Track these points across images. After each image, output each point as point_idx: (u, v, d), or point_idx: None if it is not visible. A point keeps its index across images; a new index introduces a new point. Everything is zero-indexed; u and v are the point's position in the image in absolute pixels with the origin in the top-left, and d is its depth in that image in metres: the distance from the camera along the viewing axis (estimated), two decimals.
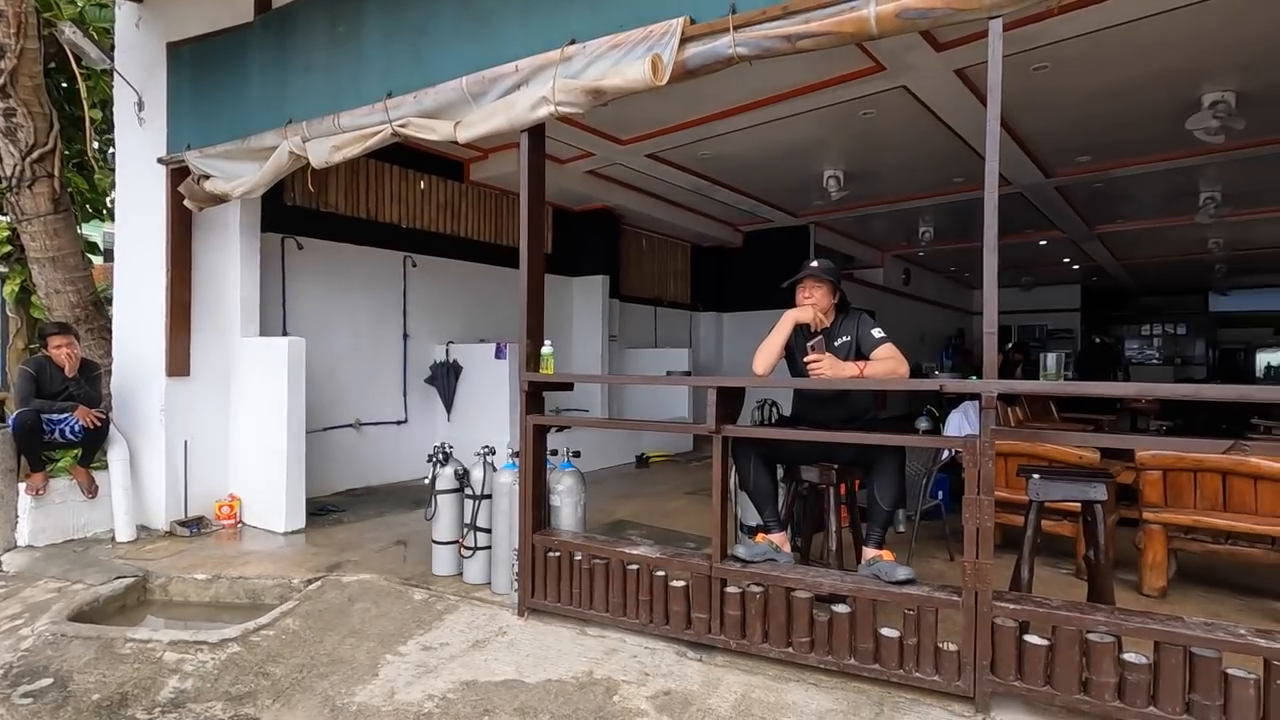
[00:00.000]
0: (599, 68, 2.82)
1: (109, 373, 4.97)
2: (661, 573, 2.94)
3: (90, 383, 4.58)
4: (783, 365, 3.28)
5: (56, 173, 4.86)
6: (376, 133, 3.50)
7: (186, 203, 4.52)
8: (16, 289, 6.25)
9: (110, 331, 5.15)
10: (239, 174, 4.17)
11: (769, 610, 2.72)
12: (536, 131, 3.22)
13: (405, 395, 6.59)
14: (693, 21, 2.64)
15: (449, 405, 6.68)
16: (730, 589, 2.79)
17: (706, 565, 2.85)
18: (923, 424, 4.70)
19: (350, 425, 6.09)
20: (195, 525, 4.64)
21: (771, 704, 2.46)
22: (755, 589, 2.75)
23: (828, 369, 2.96)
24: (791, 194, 8.31)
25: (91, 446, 4.49)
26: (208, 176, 4.32)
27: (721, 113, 5.69)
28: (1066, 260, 12.73)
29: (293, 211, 5.74)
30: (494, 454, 3.65)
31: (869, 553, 2.88)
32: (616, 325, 8.74)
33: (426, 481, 3.76)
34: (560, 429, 3.42)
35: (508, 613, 3.25)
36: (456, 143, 3.27)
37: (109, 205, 6.60)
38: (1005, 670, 2.33)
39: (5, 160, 4.71)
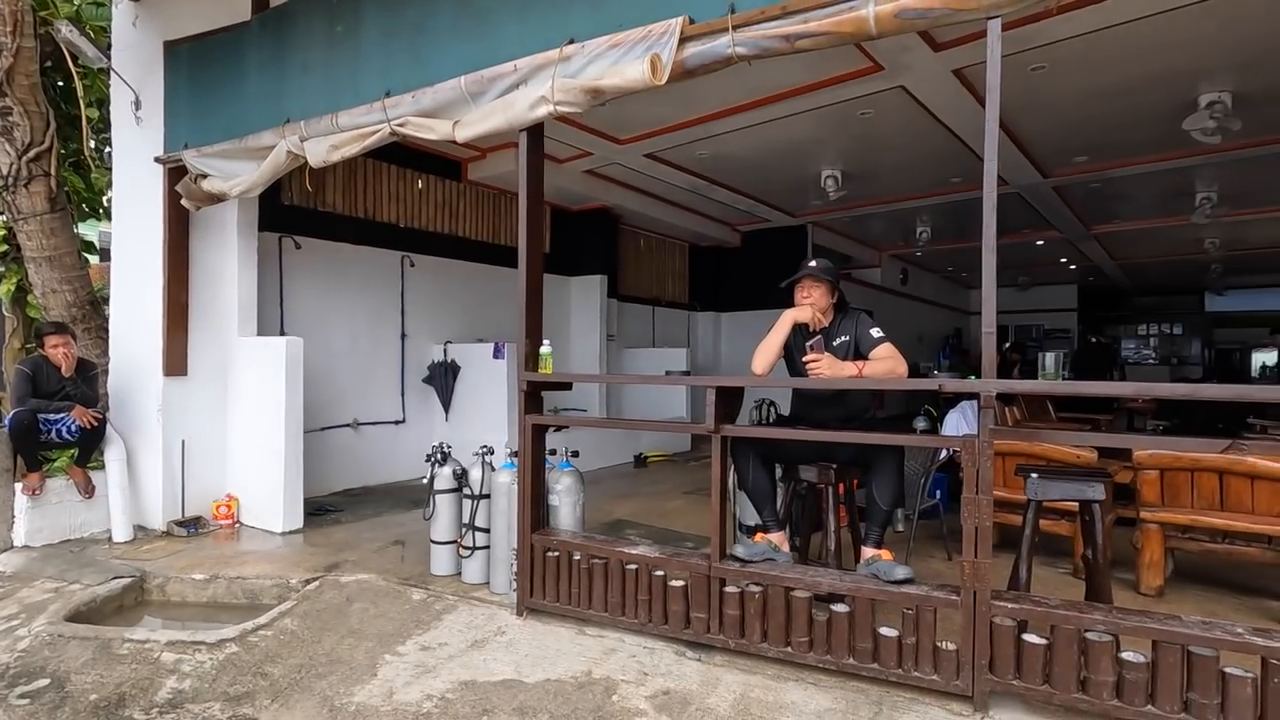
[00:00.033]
0: (598, 67, 2.82)
1: (106, 372, 4.95)
2: (660, 572, 2.94)
3: (87, 382, 4.56)
4: (781, 365, 3.28)
5: (53, 172, 4.85)
6: (375, 132, 3.50)
7: (184, 202, 4.51)
8: (13, 288, 6.22)
9: (107, 331, 5.14)
10: (236, 173, 4.16)
11: (768, 610, 2.72)
12: (535, 131, 3.22)
13: (403, 395, 6.58)
14: (692, 21, 2.64)
15: (447, 405, 6.68)
16: (729, 588, 2.79)
17: (705, 565, 2.85)
18: (920, 424, 4.71)
19: (348, 425, 6.08)
20: (193, 525, 4.63)
21: (770, 703, 2.46)
22: (754, 588, 2.75)
23: (827, 369, 2.96)
24: (789, 194, 8.31)
25: (88, 446, 4.48)
26: (205, 176, 4.31)
27: (719, 112, 5.70)
28: (1063, 260, 12.76)
29: (290, 211, 5.73)
30: (492, 454, 3.65)
31: (868, 552, 2.88)
32: (614, 325, 8.74)
33: (425, 481, 3.76)
34: (559, 428, 3.42)
35: (506, 612, 3.25)
36: (455, 142, 3.27)
37: (106, 204, 6.57)
38: (1004, 669, 2.33)
39: (1, 159, 4.69)
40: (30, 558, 4.08)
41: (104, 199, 6.58)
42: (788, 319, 3.16)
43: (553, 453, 3.47)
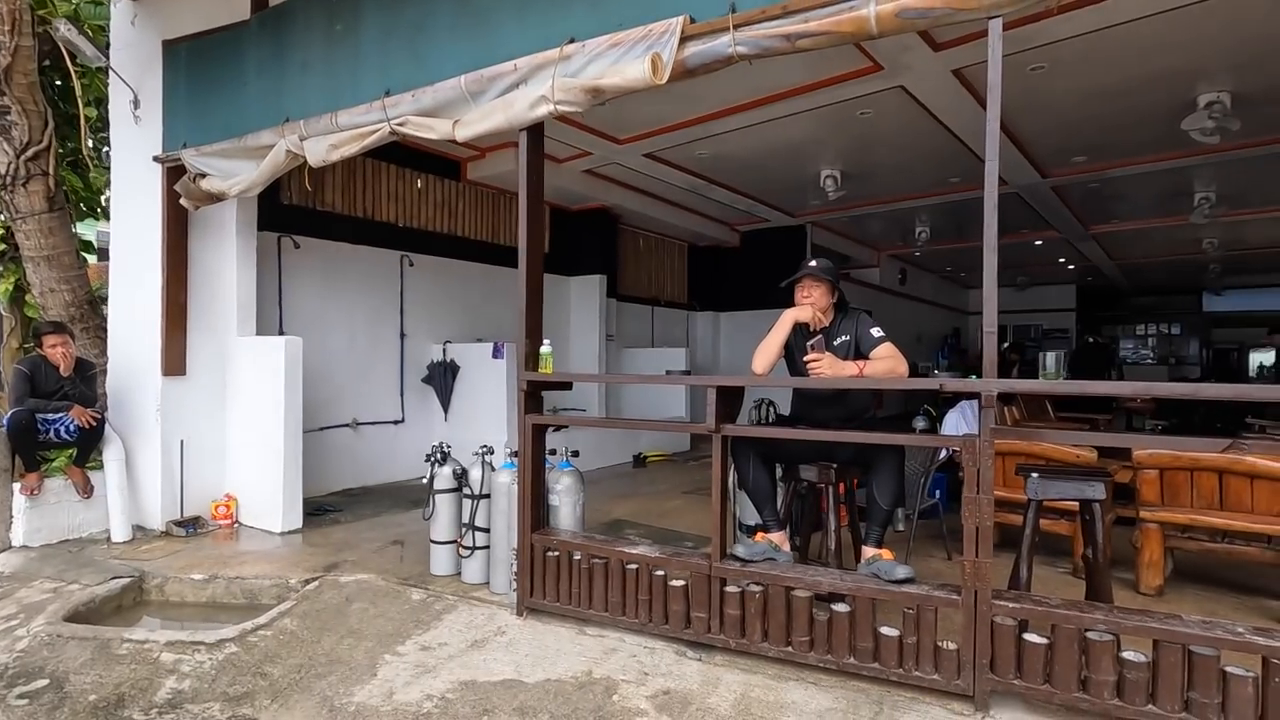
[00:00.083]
0: (598, 66, 2.81)
1: (104, 372, 4.94)
2: (660, 572, 2.94)
3: (85, 382, 4.55)
4: (781, 364, 3.28)
5: (51, 171, 4.83)
6: (374, 131, 3.49)
7: (182, 201, 4.50)
8: (11, 288, 6.22)
9: (105, 330, 5.13)
10: (235, 172, 4.15)
11: (768, 609, 2.72)
12: (535, 130, 3.21)
13: (402, 395, 6.57)
14: (692, 20, 2.64)
15: (446, 405, 6.67)
16: (729, 588, 2.79)
17: (706, 564, 2.85)
18: (920, 423, 4.71)
19: (347, 425, 6.07)
20: (191, 525, 4.62)
21: (771, 703, 2.46)
22: (754, 588, 2.75)
23: (827, 368, 2.96)
24: (788, 194, 8.31)
25: (87, 446, 4.47)
26: (204, 175, 4.30)
27: (719, 112, 5.69)
28: (1062, 260, 12.77)
29: (289, 210, 5.72)
30: (492, 453, 3.65)
31: (868, 551, 2.88)
32: (614, 325, 8.73)
33: (424, 481, 3.75)
34: (558, 428, 3.41)
35: (506, 612, 3.24)
36: (455, 142, 3.27)
37: (104, 204, 6.57)
38: (1004, 669, 2.33)
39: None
40: (29, 558, 4.07)
41: (102, 198, 6.57)
42: (788, 318, 3.16)
43: (552, 452, 3.47)
